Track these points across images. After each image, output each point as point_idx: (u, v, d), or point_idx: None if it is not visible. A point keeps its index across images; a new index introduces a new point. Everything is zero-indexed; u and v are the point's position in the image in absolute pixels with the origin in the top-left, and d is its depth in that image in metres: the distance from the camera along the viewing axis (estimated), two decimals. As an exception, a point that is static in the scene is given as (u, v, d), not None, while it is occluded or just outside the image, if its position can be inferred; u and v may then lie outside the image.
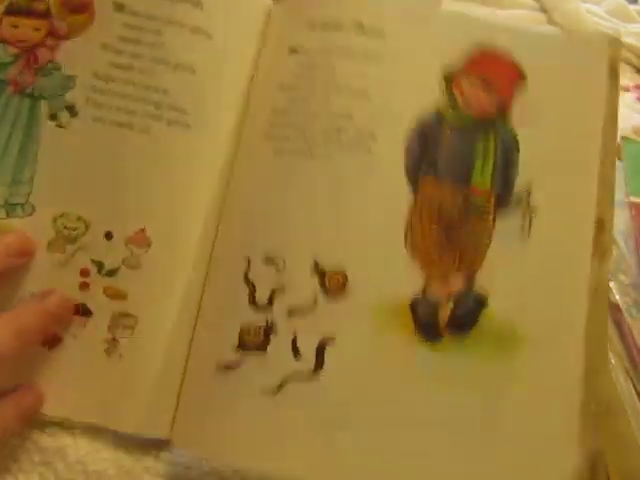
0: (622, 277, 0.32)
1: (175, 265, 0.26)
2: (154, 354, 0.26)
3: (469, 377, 0.23)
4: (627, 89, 0.60)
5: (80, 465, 0.25)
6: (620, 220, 0.35)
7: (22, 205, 0.26)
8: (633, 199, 0.37)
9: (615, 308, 0.30)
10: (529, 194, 0.25)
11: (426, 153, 0.26)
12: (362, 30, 0.27)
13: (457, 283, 0.24)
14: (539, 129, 0.26)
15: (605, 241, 0.25)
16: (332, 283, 0.24)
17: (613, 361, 0.28)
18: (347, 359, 0.23)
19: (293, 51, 0.28)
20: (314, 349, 0.24)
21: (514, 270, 0.24)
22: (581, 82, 0.27)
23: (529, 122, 0.26)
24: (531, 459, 0.22)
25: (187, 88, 0.27)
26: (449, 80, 0.27)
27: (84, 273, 0.26)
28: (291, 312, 0.24)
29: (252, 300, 0.25)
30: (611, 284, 0.31)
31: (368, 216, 0.25)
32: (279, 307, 0.24)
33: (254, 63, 0.29)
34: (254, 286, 0.25)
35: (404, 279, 0.24)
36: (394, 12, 0.28)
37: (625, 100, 0.56)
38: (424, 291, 0.24)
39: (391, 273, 0.24)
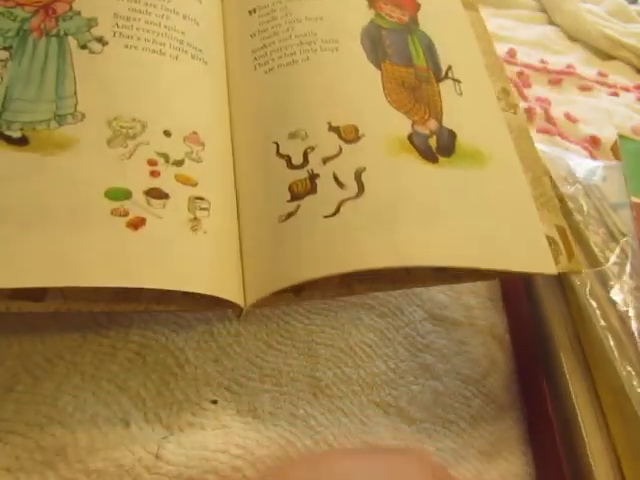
0: (629, 281, 0.33)
1: (225, 160, 0.30)
2: (231, 232, 0.27)
3: (460, 178, 0.31)
4: (627, 89, 0.60)
5: (80, 464, 0.25)
6: (624, 221, 0.36)
7: (72, 114, 0.27)
8: (634, 199, 0.37)
9: (624, 315, 0.32)
10: (451, 70, 0.36)
11: (377, 47, 0.36)
12: None
13: (433, 124, 0.34)
14: (439, 34, 0.38)
15: (511, 99, 0.38)
16: (347, 133, 0.31)
17: (629, 369, 0.31)
18: (380, 177, 0.30)
19: (252, 12, 0.36)
20: (353, 179, 0.29)
21: (461, 114, 0.35)
22: (450, 9, 0.41)
23: (432, 30, 0.38)
24: (511, 230, 0.31)
25: (197, 34, 0.32)
26: (371, 3, 0.38)
27: (152, 162, 0.27)
28: (325, 160, 0.30)
29: (290, 165, 0.30)
30: (616, 288, 0.33)
31: (357, 85, 0.33)
32: (314, 160, 0.30)
33: (224, 20, 0.37)
34: (289, 156, 0.30)
35: (397, 122, 0.32)
36: None
37: (625, 100, 0.58)
38: (413, 129, 0.33)
39: (387, 119, 0.32)
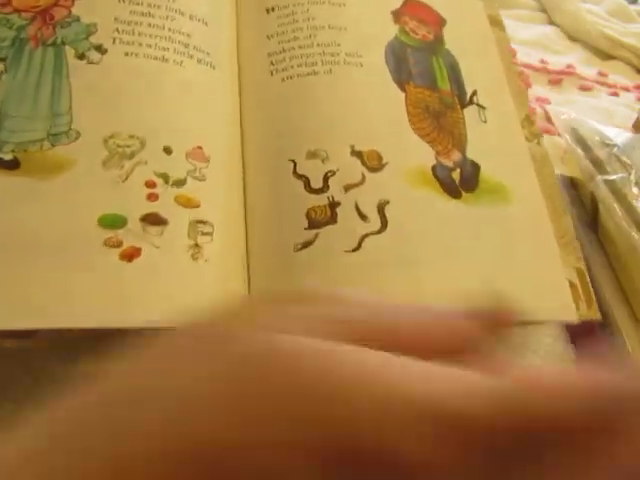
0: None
1: (234, 177, 0.27)
2: (237, 259, 0.24)
3: (484, 216, 0.29)
4: (627, 89, 0.59)
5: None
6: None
7: (66, 133, 0.25)
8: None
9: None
10: (476, 96, 0.33)
11: (401, 66, 0.33)
12: None
13: (456, 155, 0.31)
14: (463, 55, 0.35)
15: (534, 129, 0.34)
16: (371, 160, 0.28)
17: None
18: (403, 212, 0.27)
19: (269, 10, 0.33)
20: (376, 211, 0.27)
21: (485, 144, 0.32)
22: (477, 26, 0.37)
23: (457, 49, 0.35)
24: (533, 273, 0.28)
25: (205, 35, 0.30)
26: (396, 17, 0.35)
27: (150, 184, 0.25)
28: (347, 188, 0.27)
29: (308, 188, 0.27)
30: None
31: (379, 110, 0.31)
32: (335, 186, 0.27)
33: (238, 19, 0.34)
34: (307, 177, 0.27)
35: (421, 152, 0.30)
36: None
37: (625, 100, 0.58)
38: (437, 160, 0.30)
39: (411, 148, 0.30)
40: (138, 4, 0.29)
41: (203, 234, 0.25)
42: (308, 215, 0.26)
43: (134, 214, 0.24)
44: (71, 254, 0.22)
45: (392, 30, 0.34)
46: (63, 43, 0.27)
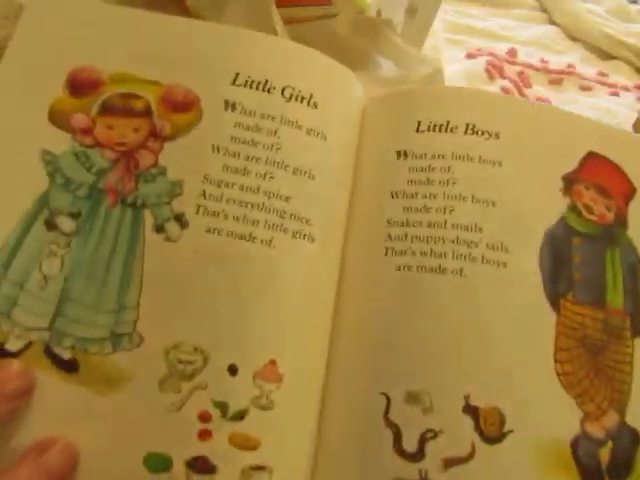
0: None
1: (309, 404, 0.23)
2: None
3: None
4: (627, 89, 0.60)
5: None
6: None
7: (129, 335, 0.22)
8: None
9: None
10: None
11: (561, 269, 0.24)
12: (476, 132, 0.25)
13: (611, 420, 0.22)
14: None
15: None
16: (488, 423, 0.21)
17: None
18: None
19: (402, 155, 0.26)
20: None
21: None
22: None
23: None
24: None
25: (309, 195, 0.24)
26: (568, 186, 0.25)
27: (204, 418, 0.21)
28: (447, 463, 0.21)
29: (398, 447, 0.21)
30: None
31: (515, 340, 0.23)
32: (432, 456, 0.21)
33: (355, 167, 0.27)
34: (399, 429, 0.21)
35: (563, 415, 0.22)
36: (505, 113, 0.27)
37: (625, 100, 0.58)
38: (583, 428, 0.22)
39: (549, 408, 0.22)
40: (234, 156, 0.24)
41: (257, 486, 0.21)
42: None
43: (181, 455, 0.20)
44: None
45: (558, 207, 0.25)
46: (144, 205, 0.24)
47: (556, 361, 0.23)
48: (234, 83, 0.25)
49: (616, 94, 0.60)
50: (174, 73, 0.25)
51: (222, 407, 0.21)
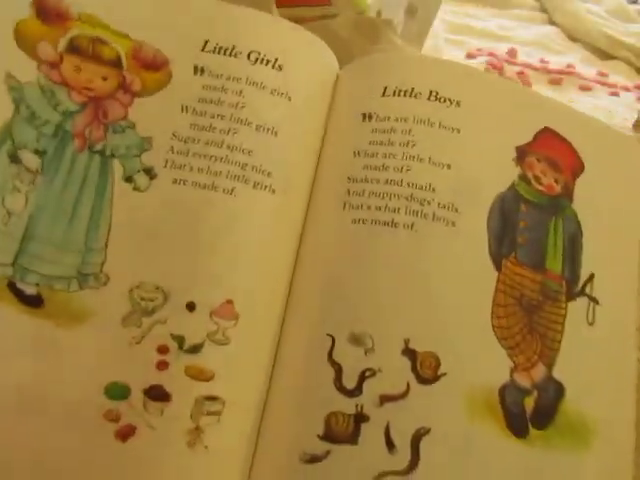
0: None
1: (263, 342, 0.24)
2: (242, 445, 0.23)
3: (552, 467, 0.23)
4: (627, 89, 0.61)
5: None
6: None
7: (96, 275, 0.24)
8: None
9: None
10: (592, 282, 0.26)
11: (506, 232, 0.26)
12: (439, 99, 0.27)
13: (538, 373, 0.24)
14: (595, 221, 0.27)
15: None
16: (425, 366, 0.23)
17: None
18: (442, 453, 0.22)
19: (367, 117, 0.27)
20: (409, 442, 0.22)
21: (583, 359, 0.25)
22: (633, 184, 0.28)
23: (588, 211, 0.27)
24: None
25: (271, 150, 0.26)
26: (521, 156, 0.27)
27: (162, 350, 0.23)
28: (382, 399, 0.23)
29: (339, 384, 0.23)
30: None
31: (457, 293, 0.24)
32: (369, 392, 0.23)
33: (325, 127, 0.28)
34: (340, 367, 0.23)
35: (494, 364, 0.24)
36: (468, 83, 0.28)
37: (625, 100, 0.59)
38: (511, 379, 0.24)
39: (482, 357, 0.24)
40: (201, 115, 0.25)
41: (209, 414, 0.22)
42: (327, 421, 0.22)
43: (139, 384, 0.22)
44: (72, 422, 0.22)
45: (510, 175, 0.26)
46: (112, 155, 0.25)
47: (493, 315, 0.24)
48: (203, 49, 0.26)
49: (616, 94, 0.60)
50: (144, 34, 0.26)
51: (179, 340, 0.23)
